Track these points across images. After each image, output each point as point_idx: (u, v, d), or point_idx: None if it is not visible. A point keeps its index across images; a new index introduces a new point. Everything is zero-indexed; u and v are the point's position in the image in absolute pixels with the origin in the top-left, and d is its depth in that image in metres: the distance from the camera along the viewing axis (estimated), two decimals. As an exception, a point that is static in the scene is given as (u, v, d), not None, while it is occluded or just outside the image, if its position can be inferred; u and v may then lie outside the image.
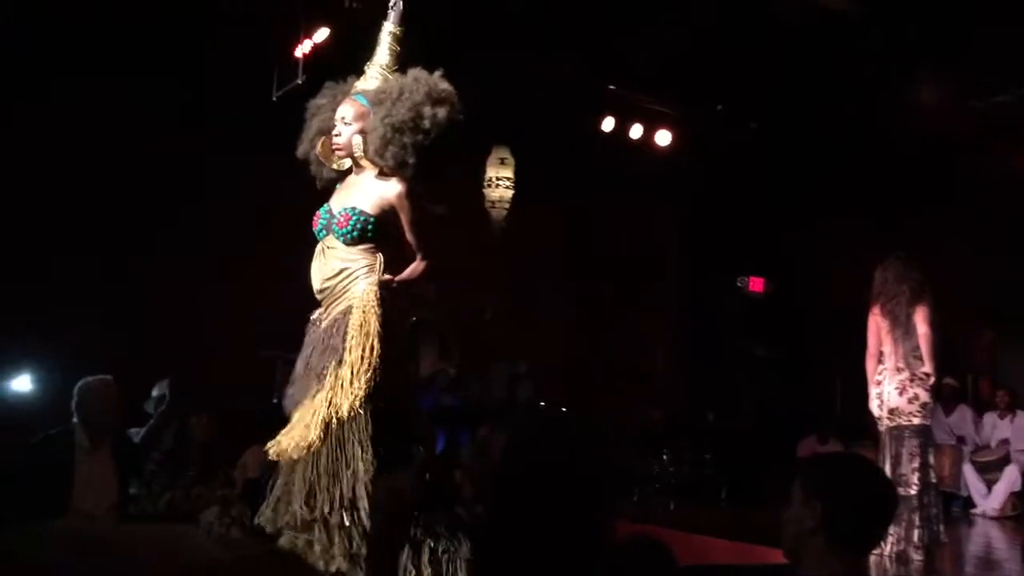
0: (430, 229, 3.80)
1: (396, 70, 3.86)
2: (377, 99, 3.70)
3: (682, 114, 9.04)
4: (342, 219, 3.66)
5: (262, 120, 7.60)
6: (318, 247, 3.75)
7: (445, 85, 3.74)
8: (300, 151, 3.92)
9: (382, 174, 3.70)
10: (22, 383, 6.90)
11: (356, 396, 3.45)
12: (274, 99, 7.07)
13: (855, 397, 5.96)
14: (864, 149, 8.62)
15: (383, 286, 3.63)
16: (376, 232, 3.66)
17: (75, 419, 4.78)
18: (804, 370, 9.62)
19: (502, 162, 8.80)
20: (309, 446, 3.46)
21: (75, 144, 7.03)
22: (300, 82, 6.76)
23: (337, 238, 3.68)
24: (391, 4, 3.96)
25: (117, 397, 4.76)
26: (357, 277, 3.66)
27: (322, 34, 6.91)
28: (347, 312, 3.61)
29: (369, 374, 3.47)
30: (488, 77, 7.64)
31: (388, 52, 3.92)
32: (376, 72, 3.89)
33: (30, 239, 6.92)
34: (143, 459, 5.35)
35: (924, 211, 8.72)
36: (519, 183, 8.74)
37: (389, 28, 3.93)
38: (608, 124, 8.96)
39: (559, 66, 7.82)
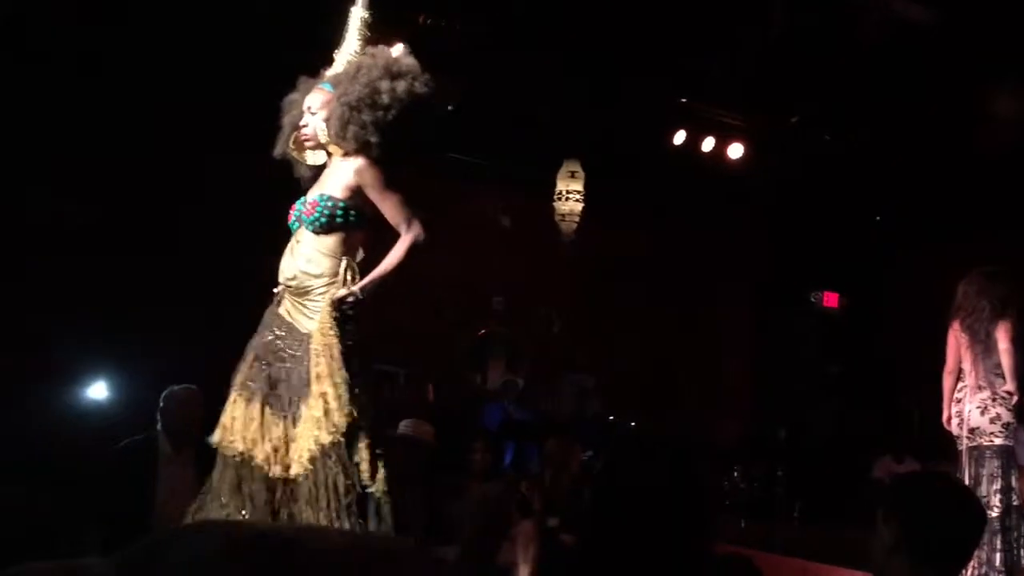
0: (404, 199, 3.57)
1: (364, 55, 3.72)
2: (336, 81, 3.60)
3: (755, 127, 8.95)
4: (310, 207, 3.52)
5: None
6: (290, 241, 3.61)
7: (405, 59, 3.61)
8: (276, 151, 3.79)
9: (348, 157, 3.56)
10: (98, 391, 7.05)
11: (336, 428, 3.31)
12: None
13: (933, 415, 5.82)
14: (944, 161, 8.43)
15: (341, 302, 3.44)
16: (346, 218, 3.50)
17: (159, 426, 4.92)
18: (879, 387, 9.42)
19: (572, 175, 8.82)
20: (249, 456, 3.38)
21: (184, 150, 7.20)
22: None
23: (307, 228, 3.52)
24: None
25: (201, 406, 4.87)
26: (316, 283, 3.49)
27: (397, 50, 7.00)
28: (307, 330, 3.45)
29: (344, 402, 3.32)
30: (559, 91, 7.69)
31: (357, 37, 3.77)
32: (345, 58, 3.76)
33: (115, 246, 7.11)
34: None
35: (1010, 223, 8.48)
36: (590, 197, 8.75)
37: (359, 13, 3.79)
38: (680, 137, 8.92)
39: (630, 79, 7.82)
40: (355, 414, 3.35)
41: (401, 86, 3.48)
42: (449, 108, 7.08)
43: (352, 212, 3.51)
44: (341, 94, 3.49)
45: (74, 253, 6.89)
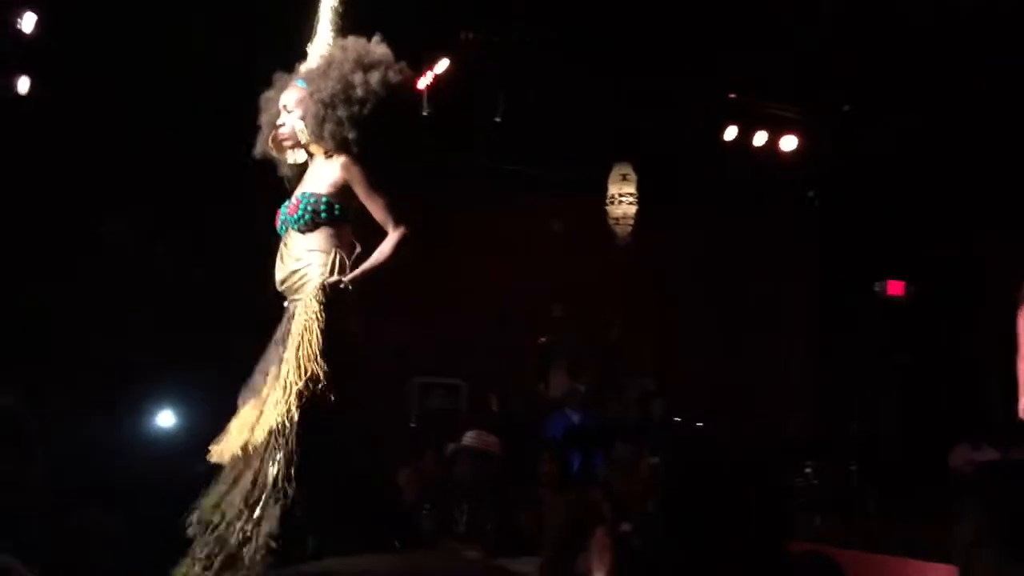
0: (393, 195, 3.46)
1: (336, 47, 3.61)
2: (309, 77, 3.50)
3: (807, 117, 8.84)
4: (292, 207, 3.43)
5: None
6: (280, 245, 3.52)
7: (377, 49, 3.48)
8: (257, 151, 3.67)
9: (330, 155, 3.48)
10: (166, 418, 7.17)
11: (287, 409, 3.19)
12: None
13: (1009, 401, 5.67)
14: (1011, 142, 8.22)
15: (331, 288, 3.35)
16: (330, 213, 3.41)
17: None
18: (953, 375, 9.20)
19: (624, 178, 8.79)
20: (239, 453, 3.27)
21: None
22: (426, 114, 6.93)
23: (292, 228, 3.44)
24: None
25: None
26: (310, 273, 3.41)
27: (442, 65, 7.08)
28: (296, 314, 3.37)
29: (302, 386, 3.20)
30: (607, 95, 7.68)
31: (330, 29, 3.67)
32: (318, 52, 3.65)
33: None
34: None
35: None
36: (643, 198, 8.71)
37: (329, 2, 3.69)
38: (731, 133, 8.83)
39: (678, 79, 7.77)
40: (322, 405, 3.21)
41: (375, 77, 3.38)
42: (496, 119, 7.12)
43: (336, 207, 3.43)
44: (314, 91, 3.40)
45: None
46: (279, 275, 3.49)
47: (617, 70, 7.45)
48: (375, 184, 3.43)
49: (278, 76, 3.64)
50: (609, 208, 8.72)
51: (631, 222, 8.69)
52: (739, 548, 1.61)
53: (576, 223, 9.68)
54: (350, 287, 3.38)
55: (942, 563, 4.82)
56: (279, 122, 3.55)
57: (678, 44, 7.26)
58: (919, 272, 9.69)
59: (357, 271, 3.42)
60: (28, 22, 5.80)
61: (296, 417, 3.18)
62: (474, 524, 4.85)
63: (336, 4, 3.66)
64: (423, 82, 7.04)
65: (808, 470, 8.27)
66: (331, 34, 3.64)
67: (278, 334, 3.45)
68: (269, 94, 3.64)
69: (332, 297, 3.36)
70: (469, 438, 5.20)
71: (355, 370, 3.42)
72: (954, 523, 2.01)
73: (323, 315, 3.31)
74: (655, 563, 1.91)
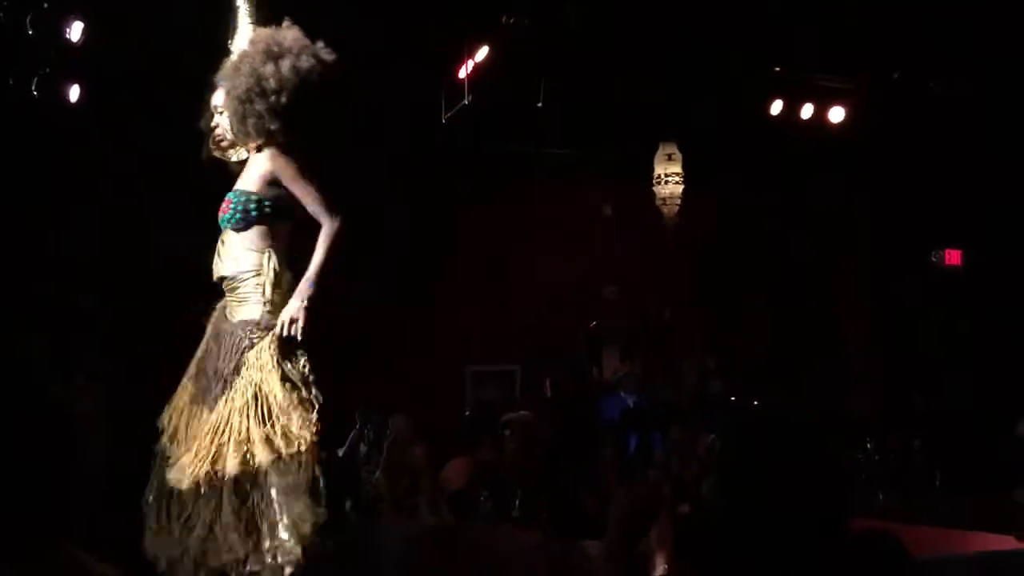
0: (320, 187, 3.36)
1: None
2: (226, 75, 3.45)
3: (854, 87, 8.66)
4: (225, 205, 3.41)
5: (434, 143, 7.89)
6: (219, 241, 3.48)
7: (285, 36, 3.41)
8: (203, 154, 3.65)
9: (262, 149, 3.42)
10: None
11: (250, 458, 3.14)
12: (443, 121, 7.28)
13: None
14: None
15: (285, 336, 3.24)
16: (261, 210, 3.36)
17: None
18: (1015, 344, 8.98)
19: (669, 158, 8.70)
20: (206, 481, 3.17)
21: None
22: (467, 102, 6.94)
23: (225, 227, 3.42)
24: None
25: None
26: (248, 271, 3.34)
27: (482, 53, 7.06)
28: (242, 343, 3.27)
29: (269, 427, 3.15)
30: (649, 75, 7.61)
31: (248, 20, 3.61)
32: (239, 47, 3.59)
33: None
34: (351, 475, 5.61)
35: None
36: (690, 177, 8.62)
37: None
38: (777, 107, 8.69)
39: (720, 54, 7.67)
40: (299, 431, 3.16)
41: (285, 66, 3.31)
42: (539, 105, 7.10)
43: (267, 204, 3.37)
44: (230, 88, 3.36)
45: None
46: (216, 271, 3.45)
47: (659, 48, 7.37)
48: (301, 174, 3.35)
49: (212, 78, 3.58)
50: (656, 188, 8.65)
51: (678, 202, 8.60)
52: (799, 527, 1.60)
53: (623, 205, 9.62)
54: (298, 309, 3.27)
55: (1006, 535, 4.73)
56: (213, 124, 3.54)
57: (720, 19, 7.16)
58: (976, 241, 9.48)
59: (302, 288, 3.29)
60: (76, 31, 5.90)
61: (260, 463, 3.15)
62: (530, 509, 4.87)
63: None
64: (464, 71, 7.04)
65: (870, 446, 8.16)
66: (250, 25, 3.59)
67: (216, 349, 3.38)
68: (207, 97, 3.61)
69: (292, 337, 3.28)
70: (507, 420, 5.20)
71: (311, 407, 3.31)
72: (1019, 489, 1.97)
73: (278, 365, 3.23)
74: (714, 543, 1.90)
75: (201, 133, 3.62)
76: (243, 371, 3.25)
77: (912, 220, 9.72)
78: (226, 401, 3.26)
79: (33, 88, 6.03)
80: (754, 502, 1.68)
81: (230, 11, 3.67)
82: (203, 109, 3.60)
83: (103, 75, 6.49)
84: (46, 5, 5.77)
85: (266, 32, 3.43)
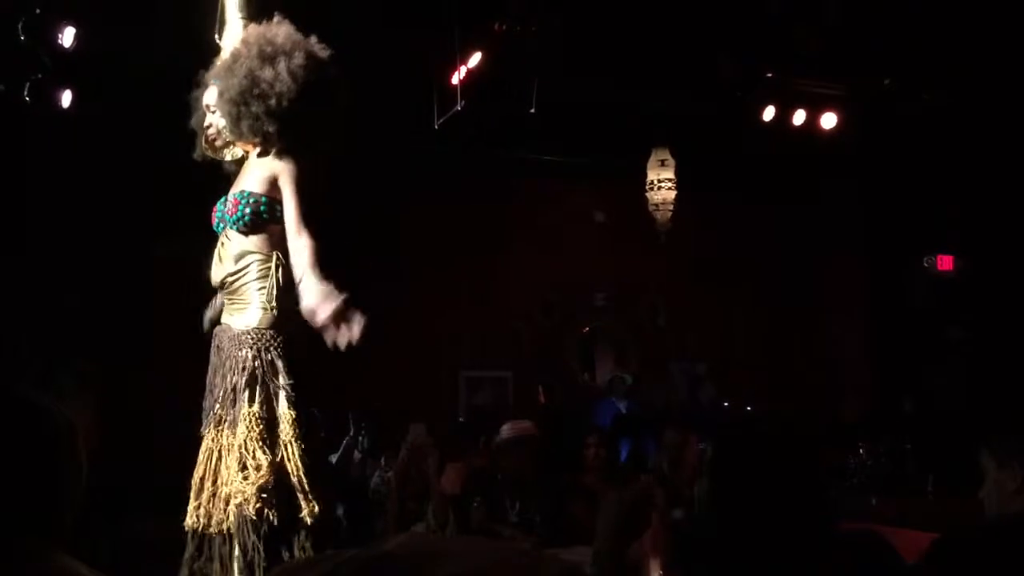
0: (305, 204, 3.23)
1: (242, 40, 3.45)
2: (219, 75, 3.34)
3: (847, 94, 8.69)
4: (231, 206, 3.29)
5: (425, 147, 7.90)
6: (217, 243, 3.37)
7: (277, 33, 3.31)
8: (195, 154, 3.54)
9: (263, 151, 3.34)
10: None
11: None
12: (436, 127, 7.29)
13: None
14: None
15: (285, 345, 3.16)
16: (271, 213, 3.27)
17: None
18: (1006, 349, 9.02)
19: (662, 164, 8.72)
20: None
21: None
22: (460, 108, 6.95)
23: (232, 228, 3.29)
24: None
25: (319, 427, 5.00)
26: (249, 276, 3.26)
27: (475, 59, 7.07)
28: (245, 357, 3.18)
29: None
30: (642, 80, 7.63)
31: (239, 16, 3.52)
32: (229, 45, 3.48)
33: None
34: (345, 482, 5.61)
35: None
36: (683, 183, 8.65)
37: None
38: (769, 113, 8.72)
39: (712, 61, 7.70)
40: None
41: (282, 68, 3.22)
42: (531, 110, 7.10)
43: (277, 206, 3.29)
44: (224, 89, 3.27)
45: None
46: (216, 274, 3.36)
47: (651, 54, 7.39)
48: (298, 185, 3.26)
49: (200, 74, 3.49)
50: (648, 194, 8.66)
51: (671, 207, 8.62)
52: (787, 529, 1.60)
53: (616, 211, 9.64)
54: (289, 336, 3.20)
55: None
56: (206, 123, 3.45)
57: (712, 25, 7.19)
58: (969, 245, 9.52)
59: (300, 282, 3.15)
60: (68, 36, 5.89)
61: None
62: (524, 515, 4.87)
63: None
64: (456, 77, 7.05)
65: (861, 450, 8.18)
66: (241, 21, 3.51)
67: (219, 365, 3.28)
68: (196, 94, 3.51)
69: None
70: (505, 430, 5.20)
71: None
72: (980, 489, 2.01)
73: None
74: (706, 548, 1.90)
75: (192, 132, 3.54)
76: (245, 398, 3.16)
77: (903, 226, 9.76)
78: (221, 430, 3.18)
79: (25, 94, 6.02)
80: (742, 507, 1.69)
81: (218, 6, 3.60)
82: (193, 107, 3.52)
83: (95, 81, 6.48)
84: (38, 11, 5.77)
85: (258, 30, 3.35)
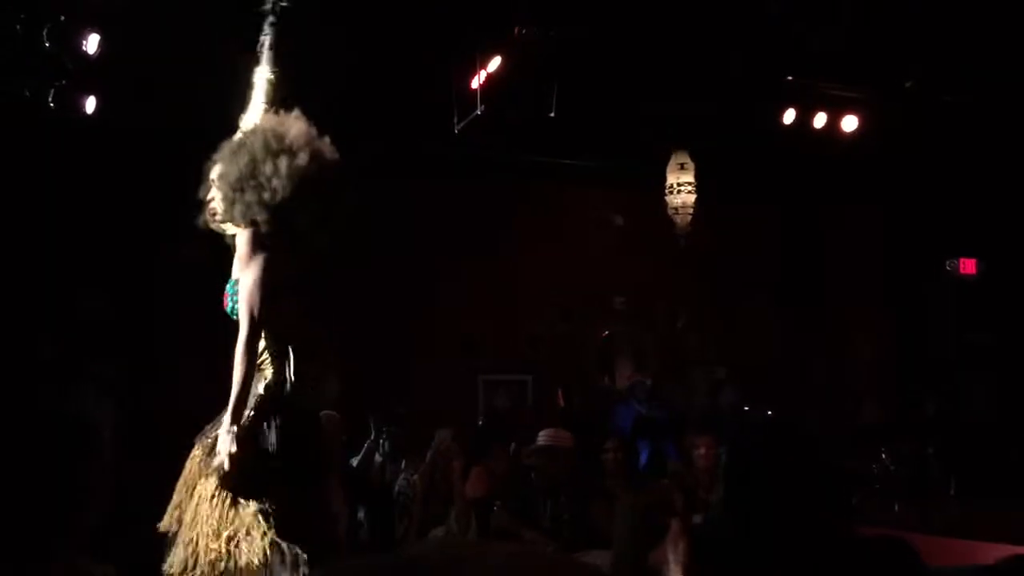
0: (260, 287, 3.25)
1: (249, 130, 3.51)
2: (223, 156, 3.41)
3: (868, 96, 8.64)
4: (224, 300, 3.40)
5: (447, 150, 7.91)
6: None
7: (288, 129, 3.38)
8: (199, 222, 3.57)
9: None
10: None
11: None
12: (455, 131, 7.30)
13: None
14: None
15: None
16: None
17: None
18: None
19: (682, 167, 8.70)
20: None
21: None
22: (479, 112, 6.97)
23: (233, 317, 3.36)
24: (259, 46, 3.59)
25: (342, 431, 5.04)
26: (265, 361, 3.33)
27: (495, 63, 7.08)
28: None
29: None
30: (661, 84, 7.62)
31: (263, 100, 3.57)
32: (247, 124, 3.58)
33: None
34: (365, 485, 5.63)
35: None
36: (703, 187, 8.62)
37: (264, 74, 3.60)
38: (790, 116, 8.68)
39: (732, 63, 7.67)
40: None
41: (283, 164, 3.27)
42: (551, 115, 7.11)
43: None
44: (223, 173, 3.34)
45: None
46: None
47: (671, 57, 7.37)
48: (256, 262, 3.30)
49: (223, 145, 3.54)
50: (668, 198, 8.65)
51: (690, 211, 8.59)
52: (806, 534, 1.60)
53: (635, 214, 9.63)
54: (233, 454, 3.16)
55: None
56: (209, 196, 3.51)
57: (732, 28, 7.17)
58: (992, 248, 9.44)
59: (227, 422, 3.19)
60: (92, 43, 5.95)
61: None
62: (554, 518, 4.89)
63: (271, 76, 3.59)
64: (476, 81, 7.07)
65: (884, 455, 8.12)
66: (264, 105, 3.58)
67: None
68: (209, 164, 3.56)
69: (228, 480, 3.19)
70: (544, 437, 5.22)
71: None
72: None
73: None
74: (725, 552, 1.90)
75: (199, 201, 3.59)
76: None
77: (925, 229, 9.69)
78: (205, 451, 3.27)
79: (50, 100, 6.08)
80: (761, 512, 1.69)
81: (248, 87, 3.64)
82: (204, 178, 3.56)
83: (119, 87, 6.54)
84: (63, 18, 5.82)
85: (271, 122, 3.43)
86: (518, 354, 9.35)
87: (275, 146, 3.32)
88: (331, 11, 5.91)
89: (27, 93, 6.05)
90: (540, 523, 4.87)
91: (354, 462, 5.93)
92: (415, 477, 5.45)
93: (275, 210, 3.28)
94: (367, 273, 7.93)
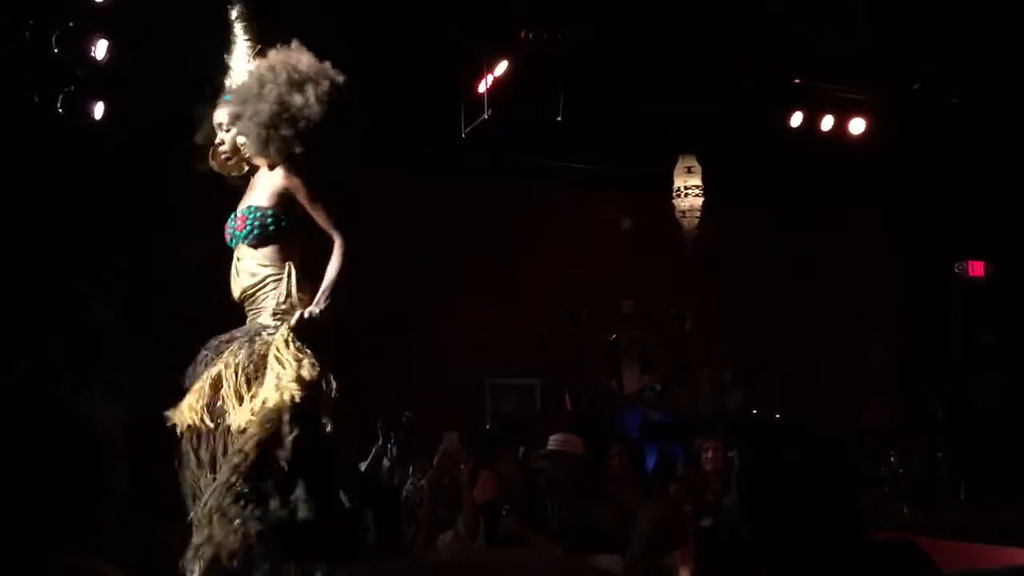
0: (335, 203, 3.46)
1: (258, 53, 3.61)
2: (242, 98, 3.47)
3: (875, 99, 8.63)
4: (240, 222, 3.47)
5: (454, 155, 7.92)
6: (234, 258, 3.55)
7: (304, 65, 3.46)
8: (200, 168, 3.69)
9: (273, 166, 3.50)
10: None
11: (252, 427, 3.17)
12: (463, 135, 7.32)
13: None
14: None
15: (297, 327, 3.28)
16: (278, 225, 3.44)
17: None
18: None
19: (689, 171, 8.70)
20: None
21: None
22: (487, 116, 6.98)
23: (243, 243, 3.48)
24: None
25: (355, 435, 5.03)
26: (266, 288, 3.43)
27: (502, 67, 7.10)
28: (259, 347, 3.31)
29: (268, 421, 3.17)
30: (669, 87, 7.62)
31: (244, 36, 3.67)
32: (240, 64, 3.66)
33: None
34: (374, 489, 5.63)
35: None
36: (710, 190, 8.62)
37: (234, 15, 3.69)
38: (797, 119, 8.68)
39: (739, 66, 7.67)
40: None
41: (311, 95, 3.39)
42: (558, 118, 7.12)
43: (283, 219, 3.46)
44: (252, 113, 3.40)
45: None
46: (235, 289, 3.53)
47: (678, 60, 7.37)
48: (316, 191, 3.46)
49: (207, 90, 3.65)
50: (675, 201, 8.65)
51: (698, 214, 8.59)
52: (816, 538, 1.60)
53: (643, 218, 9.63)
54: (316, 314, 3.33)
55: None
56: (217, 140, 3.60)
57: (739, 31, 7.17)
58: (1001, 250, 9.41)
59: (320, 297, 3.37)
60: (101, 49, 5.97)
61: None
62: (562, 523, 4.89)
63: (239, 13, 3.68)
64: (483, 85, 7.08)
65: (893, 458, 8.09)
66: (247, 42, 3.67)
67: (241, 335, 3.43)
68: (200, 109, 3.68)
69: (304, 337, 3.31)
70: (555, 441, 5.22)
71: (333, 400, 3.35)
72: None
73: (297, 354, 3.26)
74: (736, 555, 1.90)
75: (196, 146, 3.68)
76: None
77: (933, 231, 9.66)
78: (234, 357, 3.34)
79: (58, 106, 6.10)
80: (772, 516, 1.68)
81: (225, 26, 3.72)
82: (198, 121, 3.67)
83: (128, 93, 6.56)
84: (72, 24, 5.85)
85: (281, 57, 3.49)
86: (525, 358, 9.35)
87: (297, 78, 3.41)
88: (340, 13, 5.95)
89: (36, 99, 6.07)
90: (548, 527, 4.87)
91: (362, 467, 5.94)
92: (423, 482, 5.45)
93: (309, 141, 3.38)
94: (373, 276, 7.93)
